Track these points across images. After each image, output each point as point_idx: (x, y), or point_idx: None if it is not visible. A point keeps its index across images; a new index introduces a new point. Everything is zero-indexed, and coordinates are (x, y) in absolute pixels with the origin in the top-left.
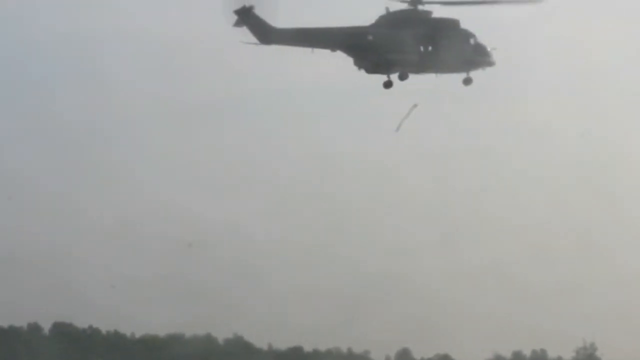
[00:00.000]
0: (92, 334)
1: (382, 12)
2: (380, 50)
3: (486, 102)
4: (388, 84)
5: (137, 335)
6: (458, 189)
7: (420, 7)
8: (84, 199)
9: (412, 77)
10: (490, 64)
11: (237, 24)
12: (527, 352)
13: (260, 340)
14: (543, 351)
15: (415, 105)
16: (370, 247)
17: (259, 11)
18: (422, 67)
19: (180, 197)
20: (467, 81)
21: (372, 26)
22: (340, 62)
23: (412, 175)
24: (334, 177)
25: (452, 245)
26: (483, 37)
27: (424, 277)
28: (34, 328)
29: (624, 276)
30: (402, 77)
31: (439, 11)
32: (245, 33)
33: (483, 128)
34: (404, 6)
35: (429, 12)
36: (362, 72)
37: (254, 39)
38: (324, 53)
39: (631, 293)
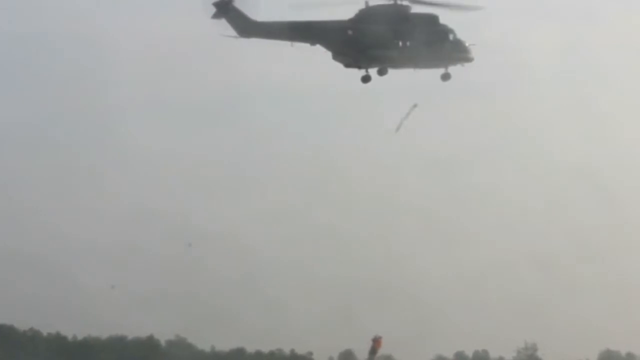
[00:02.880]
0: (33, 336)
1: (361, 6)
2: (359, 44)
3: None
4: (366, 79)
5: (79, 337)
6: (455, 190)
7: (399, 2)
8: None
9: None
10: (468, 60)
11: (216, 16)
12: (469, 353)
13: (203, 341)
14: (485, 352)
15: (415, 105)
16: (369, 250)
17: (238, 4)
18: (401, 62)
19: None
20: (446, 77)
21: (352, 20)
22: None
23: (411, 176)
24: (333, 178)
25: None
26: None
27: None
28: None
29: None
30: (381, 72)
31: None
32: (224, 26)
33: (481, 128)
34: (383, 1)
35: (408, 7)
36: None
37: (232, 32)
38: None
39: (573, 294)
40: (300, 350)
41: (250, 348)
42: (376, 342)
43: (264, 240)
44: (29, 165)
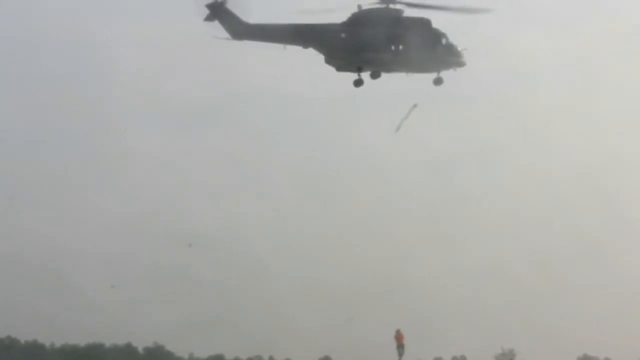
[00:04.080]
0: (11, 344)
1: (354, 9)
2: (351, 48)
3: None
4: (359, 82)
5: (57, 345)
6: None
7: (392, 6)
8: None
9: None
10: (461, 64)
11: (208, 18)
12: (447, 358)
13: (180, 349)
14: (463, 357)
15: (415, 106)
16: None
17: (231, 6)
18: (393, 66)
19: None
20: (438, 81)
21: (344, 24)
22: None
23: (412, 174)
24: (333, 177)
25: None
26: None
27: None
28: None
29: (545, 284)
30: (374, 76)
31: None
32: (216, 28)
33: (481, 127)
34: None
35: (400, 11)
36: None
37: (225, 34)
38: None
39: (550, 300)
40: (280, 357)
41: (230, 355)
42: (398, 337)
43: (252, 244)
44: (28, 165)
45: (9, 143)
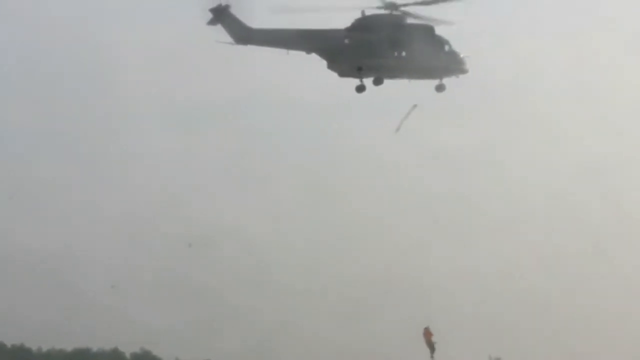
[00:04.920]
0: None
1: (357, 15)
2: (354, 54)
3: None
4: (361, 88)
5: (44, 349)
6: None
7: (395, 12)
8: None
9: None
10: (463, 71)
11: (212, 22)
12: None
13: (168, 354)
14: None
15: (415, 106)
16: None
17: (235, 10)
18: (396, 72)
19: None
20: (440, 88)
21: (348, 29)
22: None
23: (415, 175)
24: (336, 177)
25: None
26: None
27: None
28: None
29: (531, 292)
30: (377, 82)
31: None
32: (220, 32)
33: (485, 127)
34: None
35: (404, 17)
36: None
37: (229, 39)
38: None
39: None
40: None
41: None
42: (427, 334)
43: (252, 246)
44: (29, 165)
45: (9, 143)
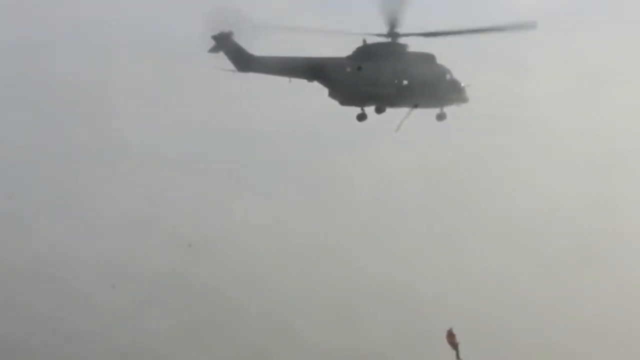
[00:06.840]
0: None
1: (359, 43)
2: (356, 82)
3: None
4: (362, 117)
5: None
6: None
7: (397, 41)
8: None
9: None
10: (464, 100)
11: (214, 49)
12: None
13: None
14: None
15: (415, 105)
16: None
17: (237, 38)
18: (398, 101)
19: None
20: (441, 117)
21: (349, 58)
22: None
23: (413, 182)
24: (335, 183)
25: None
26: None
27: None
28: None
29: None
30: (379, 111)
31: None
32: (222, 59)
33: (485, 130)
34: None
35: (405, 46)
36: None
37: (230, 66)
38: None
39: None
40: None
41: None
42: (450, 335)
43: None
44: (28, 164)
45: (9, 144)
